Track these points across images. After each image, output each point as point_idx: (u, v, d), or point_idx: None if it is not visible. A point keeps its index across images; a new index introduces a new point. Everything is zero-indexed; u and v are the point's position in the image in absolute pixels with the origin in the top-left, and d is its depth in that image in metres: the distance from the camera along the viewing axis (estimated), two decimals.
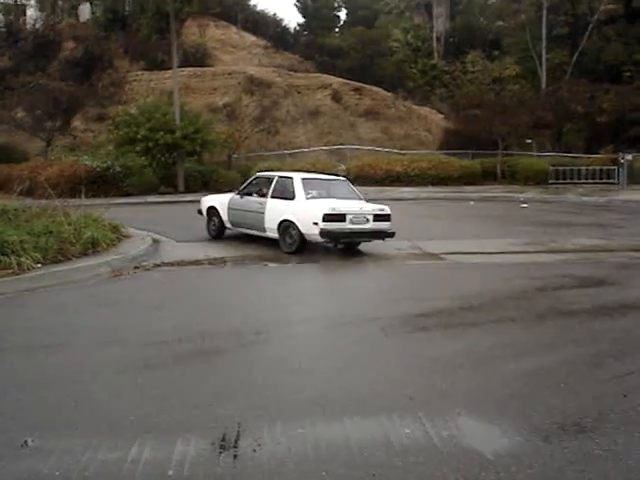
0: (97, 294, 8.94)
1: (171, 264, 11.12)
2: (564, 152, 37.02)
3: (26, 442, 4.04)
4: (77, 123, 39.08)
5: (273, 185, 14.32)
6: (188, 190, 28.91)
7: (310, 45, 58.34)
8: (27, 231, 10.54)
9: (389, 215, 13.65)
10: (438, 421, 4.35)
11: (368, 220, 13.26)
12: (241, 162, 35.07)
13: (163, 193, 28.36)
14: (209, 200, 16.08)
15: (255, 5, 69.08)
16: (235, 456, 3.86)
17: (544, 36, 42.79)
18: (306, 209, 13.22)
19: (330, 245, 13.65)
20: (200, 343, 6.24)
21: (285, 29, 67.56)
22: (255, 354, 5.97)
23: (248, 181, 15.70)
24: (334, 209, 13.00)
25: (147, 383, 5.18)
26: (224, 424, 4.26)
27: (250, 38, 59.50)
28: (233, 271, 11.04)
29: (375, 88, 47.50)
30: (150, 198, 26.69)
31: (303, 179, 14.23)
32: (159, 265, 10.95)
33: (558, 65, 44.74)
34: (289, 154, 36.79)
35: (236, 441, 4.04)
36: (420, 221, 19.17)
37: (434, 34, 56.12)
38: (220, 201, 15.53)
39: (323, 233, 12.66)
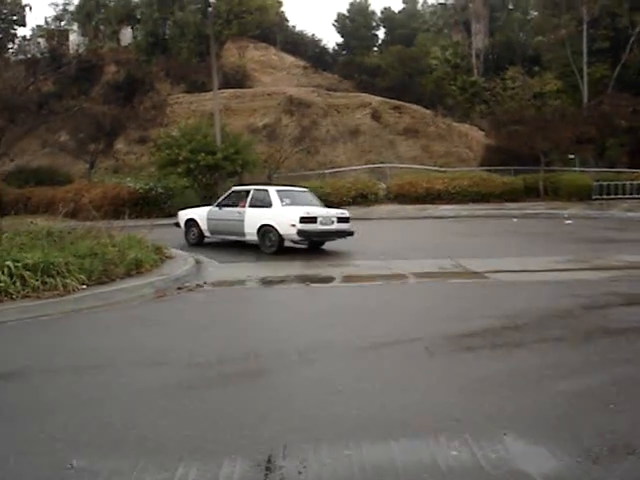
0: (141, 315, 9.02)
1: (214, 285, 11.19)
2: (608, 167, 36.51)
3: (73, 464, 4.06)
4: (120, 145, 39.69)
5: (250, 196, 16.87)
6: None
7: (349, 64, 58.61)
8: (72, 253, 10.68)
9: (349, 217, 16.86)
10: (485, 443, 4.28)
11: (333, 222, 16.25)
12: (281, 182, 35.19)
13: None
14: (186, 214, 18.45)
15: (294, 26, 69.57)
16: (281, 478, 3.83)
17: (585, 50, 42.41)
18: (284, 214, 15.83)
19: (304, 244, 16.50)
20: (244, 364, 6.24)
21: (324, 49, 68.11)
22: (299, 375, 5.95)
23: (225, 195, 18.13)
24: (308, 213, 15.76)
25: (192, 404, 5.19)
26: (269, 445, 4.24)
27: (289, 59, 59.98)
28: (276, 291, 11.05)
29: (414, 106, 47.48)
30: None
31: (277, 190, 17.02)
32: (202, 286, 11.02)
33: (599, 79, 44.24)
34: (329, 173, 36.87)
35: (282, 462, 4.01)
36: (462, 239, 19.04)
37: (473, 51, 55.99)
38: (198, 213, 17.98)
39: (300, 232, 15.41)
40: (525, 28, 59.43)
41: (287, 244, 15.99)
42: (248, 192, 17.20)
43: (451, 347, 6.85)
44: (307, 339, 7.21)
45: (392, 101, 47.18)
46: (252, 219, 16.24)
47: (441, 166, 39.11)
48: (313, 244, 16.86)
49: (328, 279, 11.80)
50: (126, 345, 7.20)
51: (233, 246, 16.93)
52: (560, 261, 13.60)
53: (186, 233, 17.84)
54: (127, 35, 63.65)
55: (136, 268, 11.35)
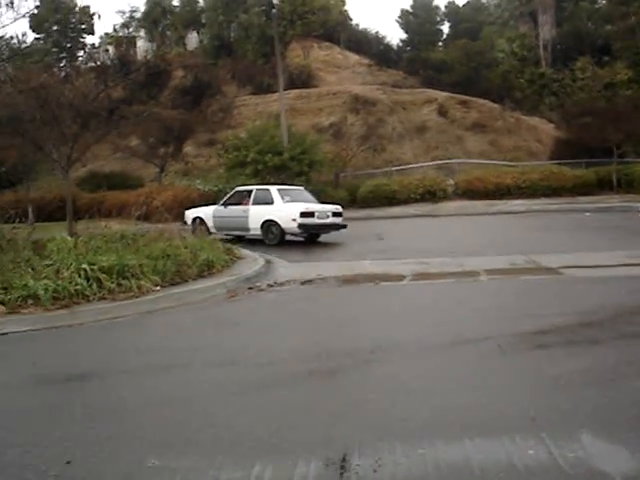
0: (214, 315, 9.16)
1: (284, 284, 11.27)
2: None
3: (153, 463, 4.14)
4: (188, 149, 40.35)
5: (253, 195, 18.95)
6: None
7: (414, 60, 58.34)
8: (146, 255, 10.93)
9: (341, 212, 19.17)
10: (563, 442, 4.19)
11: (328, 216, 18.43)
12: (348, 180, 35.26)
13: None
14: (193, 213, 20.59)
15: (357, 24, 69.63)
16: (356, 476, 3.84)
17: None
18: (285, 210, 17.92)
19: (302, 237, 18.59)
20: (316, 363, 6.27)
21: (388, 46, 67.95)
22: (371, 374, 5.94)
23: (229, 195, 20.22)
24: (307, 208, 18.02)
25: (266, 403, 5.24)
26: (343, 444, 4.25)
27: (353, 57, 60.03)
28: (346, 290, 11.06)
29: (482, 100, 46.93)
30: None
31: (278, 189, 19.16)
32: (272, 285, 11.13)
33: None
34: (396, 171, 36.71)
35: (356, 461, 4.02)
36: (534, 234, 18.72)
37: (540, 42, 54.97)
38: (204, 212, 20.03)
39: (300, 226, 17.56)
40: (593, 17, 58.00)
41: (287, 237, 18.22)
42: (251, 191, 19.31)
43: (525, 345, 6.75)
44: (379, 338, 7.19)
45: (458, 96, 46.75)
46: (256, 215, 18.19)
47: (510, 160, 38.52)
48: (310, 237, 18.94)
49: (398, 277, 11.71)
50: (200, 345, 7.32)
51: (300, 246, 17.04)
52: (636, 255, 13.20)
53: (193, 231, 18.67)
54: (193, 39, 64.77)
55: (208, 269, 11.56)
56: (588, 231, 19.26)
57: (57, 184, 31.98)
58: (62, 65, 57.65)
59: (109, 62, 45.74)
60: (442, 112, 45.30)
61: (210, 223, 19.34)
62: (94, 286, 9.59)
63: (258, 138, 30.19)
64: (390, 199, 31.53)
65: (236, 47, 58.41)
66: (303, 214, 17.65)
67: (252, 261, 13.42)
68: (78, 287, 9.45)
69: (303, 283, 11.42)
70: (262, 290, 10.77)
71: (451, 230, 21.65)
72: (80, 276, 9.63)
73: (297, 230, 17.72)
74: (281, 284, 11.29)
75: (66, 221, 20.85)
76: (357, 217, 28.08)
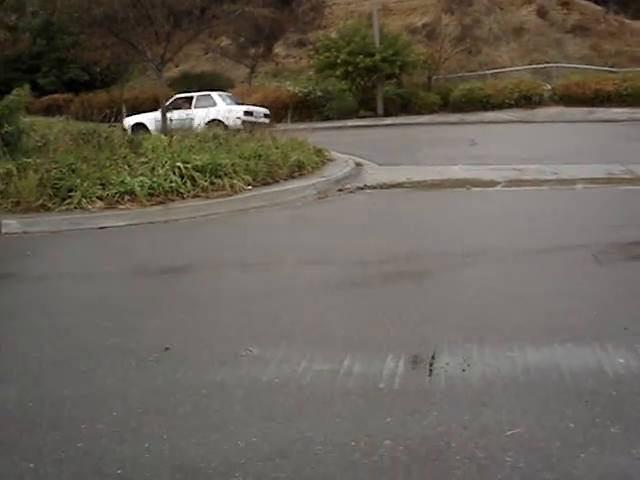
0: (305, 215, 9.29)
1: (374, 187, 11.27)
2: None
3: (247, 350, 4.29)
4: (279, 49, 39.95)
5: (194, 100, 22.75)
6: (387, 114, 28.92)
7: None
8: (238, 155, 11.10)
9: (269, 114, 23.29)
10: None
11: (261, 116, 22.49)
12: (441, 83, 34.39)
13: (363, 117, 28.54)
14: (133, 119, 23.10)
15: None
16: (445, 374, 3.90)
17: None
18: (229, 109, 21.61)
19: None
20: (406, 264, 6.31)
21: None
22: (463, 276, 5.94)
23: (169, 102, 22.12)
24: (249, 108, 22.43)
25: (355, 300, 5.33)
26: (433, 343, 4.29)
27: None
28: (436, 194, 10.98)
29: (584, 2, 44.47)
30: (350, 122, 26.98)
31: (218, 94, 23.53)
32: (362, 188, 11.14)
33: None
34: (491, 74, 35.52)
35: (446, 359, 4.06)
36: (634, 144, 17.94)
37: None
38: (146, 118, 22.58)
39: (243, 122, 20.19)
40: None
41: None
42: (191, 97, 22.97)
43: (620, 255, 6.59)
44: (470, 242, 7.14)
45: None
46: (200, 117, 19.56)
47: (612, 66, 36.70)
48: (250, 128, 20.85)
49: (490, 183, 11.49)
50: (291, 243, 7.46)
51: (389, 149, 16.86)
52: None
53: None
54: None
55: (298, 170, 11.67)
56: None
57: (150, 84, 32.39)
58: None
59: None
60: (541, 13, 43.20)
61: (152, 128, 20.67)
62: (188, 184, 9.84)
63: (349, 39, 29.60)
64: (484, 104, 30.67)
65: None
66: (246, 112, 21.65)
67: (342, 163, 13.42)
68: (173, 184, 9.72)
69: (393, 186, 11.38)
70: (352, 192, 10.81)
71: (546, 137, 20.99)
72: (175, 174, 9.88)
73: (240, 127, 19.09)
74: (371, 187, 11.28)
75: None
76: (449, 121, 27.58)
